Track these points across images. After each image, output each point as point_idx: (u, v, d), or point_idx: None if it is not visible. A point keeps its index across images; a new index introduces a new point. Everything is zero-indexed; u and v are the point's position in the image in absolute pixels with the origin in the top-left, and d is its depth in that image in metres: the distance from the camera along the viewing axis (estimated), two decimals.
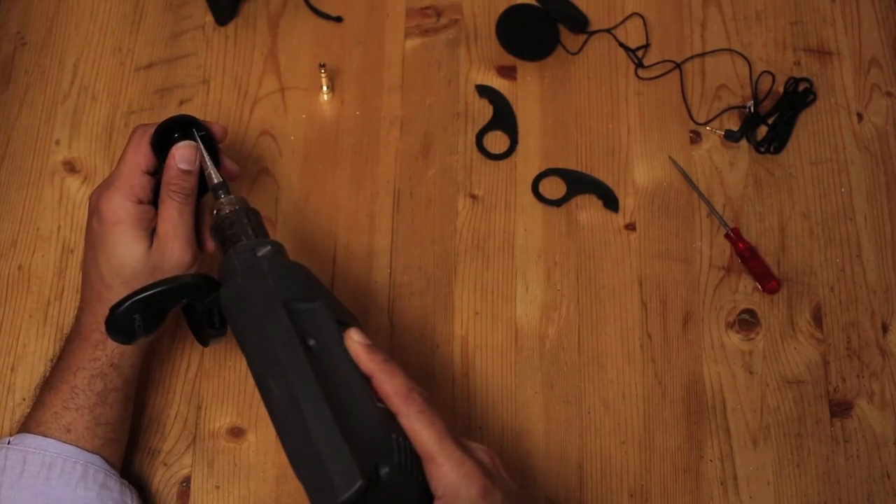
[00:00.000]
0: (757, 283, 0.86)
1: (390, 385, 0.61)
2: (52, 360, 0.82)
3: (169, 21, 0.95)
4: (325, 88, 0.92)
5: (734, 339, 0.85)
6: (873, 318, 0.86)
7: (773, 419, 0.83)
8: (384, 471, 0.58)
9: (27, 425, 0.72)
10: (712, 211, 0.89)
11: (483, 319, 0.86)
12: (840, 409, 0.83)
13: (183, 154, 0.72)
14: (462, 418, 0.82)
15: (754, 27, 0.96)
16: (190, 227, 0.73)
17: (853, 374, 0.84)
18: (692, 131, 0.92)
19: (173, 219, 0.72)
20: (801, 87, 0.93)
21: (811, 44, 0.96)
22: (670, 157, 0.91)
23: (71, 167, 0.90)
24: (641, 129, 0.92)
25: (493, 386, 0.83)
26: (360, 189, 0.89)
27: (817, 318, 0.86)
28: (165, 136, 0.74)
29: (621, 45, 0.95)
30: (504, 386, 0.83)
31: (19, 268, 0.86)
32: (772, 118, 0.92)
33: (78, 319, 0.74)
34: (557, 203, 0.89)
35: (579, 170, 0.91)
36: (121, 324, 0.67)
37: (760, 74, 0.94)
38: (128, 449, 0.80)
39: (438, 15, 0.96)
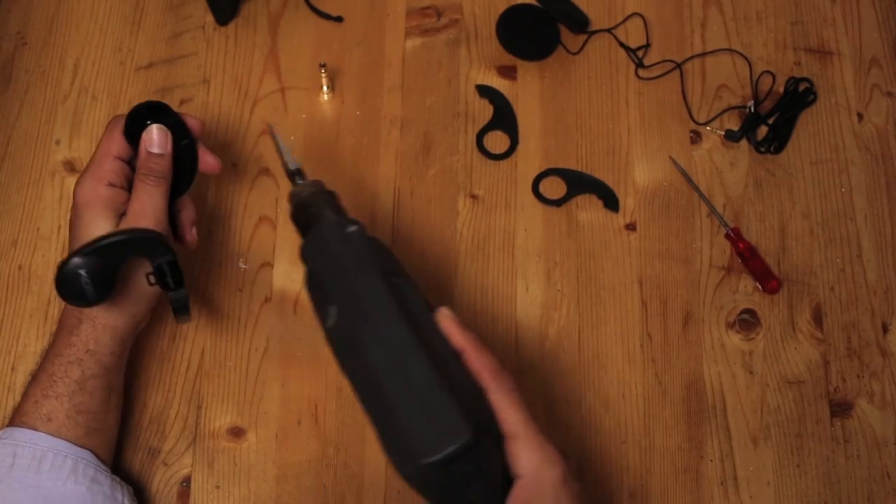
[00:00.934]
0: (757, 283, 0.86)
1: (482, 361, 0.62)
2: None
3: (169, 21, 0.95)
4: (325, 88, 0.92)
5: (734, 339, 0.85)
6: (873, 318, 0.86)
7: (773, 419, 0.83)
8: (482, 437, 0.59)
9: (13, 417, 0.72)
10: (712, 211, 0.89)
11: (483, 319, 0.85)
12: (840, 409, 0.83)
13: (152, 137, 0.74)
14: None
15: (755, 27, 0.96)
16: (161, 210, 0.73)
17: (853, 374, 0.84)
18: (692, 131, 0.92)
19: (142, 200, 0.73)
20: (802, 87, 0.93)
21: (811, 44, 0.95)
22: (670, 157, 0.91)
23: (71, 167, 0.90)
24: (642, 128, 0.92)
25: None
26: (361, 189, 0.89)
27: (817, 318, 0.86)
28: (137, 122, 0.74)
29: (622, 45, 0.95)
30: None
31: (20, 267, 0.86)
32: (772, 118, 0.92)
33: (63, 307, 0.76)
34: (558, 203, 0.89)
35: (579, 170, 0.91)
36: (68, 280, 0.68)
37: (761, 74, 0.94)
38: (128, 449, 0.80)
39: (439, 15, 0.96)
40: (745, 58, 0.95)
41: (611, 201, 0.89)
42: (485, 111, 0.93)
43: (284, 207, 0.88)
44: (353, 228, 0.67)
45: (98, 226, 0.71)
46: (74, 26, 0.95)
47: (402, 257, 0.86)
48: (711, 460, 0.81)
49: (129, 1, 0.96)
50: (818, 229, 0.89)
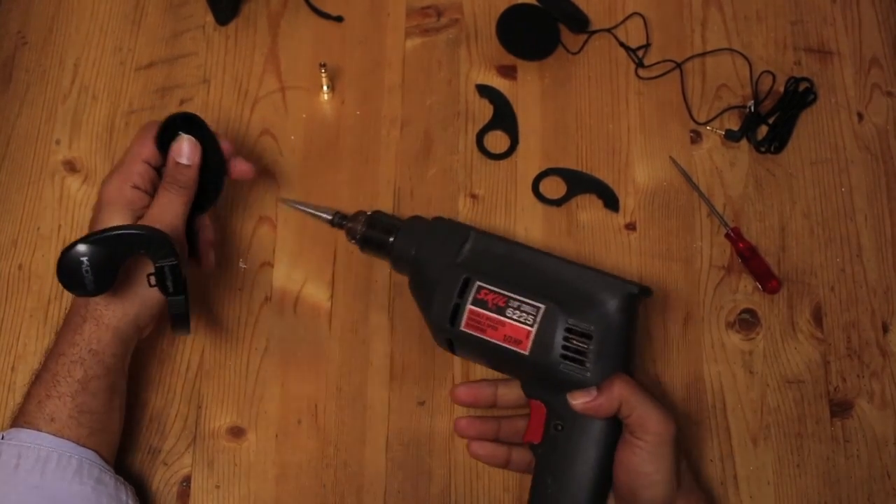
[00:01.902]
0: (757, 283, 0.86)
1: None
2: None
3: (169, 21, 0.95)
4: (325, 88, 0.92)
5: (734, 339, 0.85)
6: (873, 317, 0.86)
7: (773, 419, 0.83)
8: None
9: (16, 418, 0.72)
10: (712, 211, 0.89)
11: None
12: (840, 408, 0.83)
13: (181, 148, 0.75)
14: None
15: (755, 27, 0.96)
16: (179, 218, 0.74)
17: (853, 374, 0.84)
18: (692, 131, 0.92)
19: (162, 204, 0.74)
20: (802, 86, 0.93)
21: (812, 43, 0.95)
22: (670, 157, 0.91)
23: (71, 167, 0.90)
24: (642, 128, 0.92)
25: None
26: (361, 189, 0.89)
27: (817, 318, 0.86)
28: (169, 132, 0.76)
29: (622, 44, 0.95)
30: None
31: (20, 267, 0.86)
32: (772, 118, 0.92)
33: (69, 307, 0.76)
34: (558, 203, 0.89)
35: (580, 169, 0.91)
36: (69, 267, 0.68)
37: (761, 74, 0.94)
38: (128, 449, 0.80)
39: (439, 14, 0.96)
40: (746, 58, 0.94)
41: (611, 201, 0.89)
42: (485, 111, 0.93)
43: (285, 207, 0.88)
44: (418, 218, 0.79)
45: (114, 222, 0.72)
46: (74, 26, 0.95)
47: None
48: (711, 460, 0.81)
49: (130, 1, 0.96)
50: (818, 229, 0.89)
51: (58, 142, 0.91)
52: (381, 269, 0.86)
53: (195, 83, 0.93)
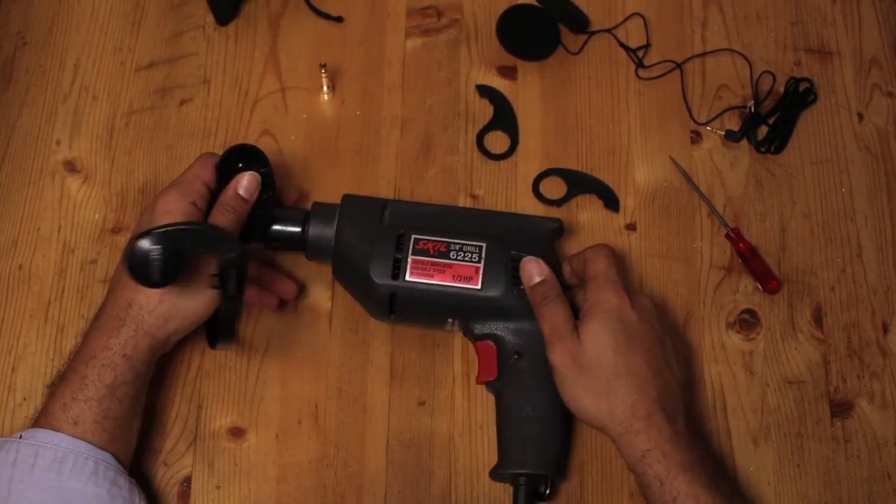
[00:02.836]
0: (757, 283, 0.86)
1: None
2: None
3: (169, 21, 0.95)
4: (325, 88, 0.92)
5: (735, 339, 0.85)
6: (874, 318, 0.86)
7: (773, 419, 0.83)
8: None
9: (38, 419, 0.72)
10: (713, 211, 0.89)
11: None
12: (840, 409, 0.83)
13: (244, 182, 0.77)
14: (462, 418, 0.82)
15: (755, 27, 0.96)
16: None
17: (854, 374, 0.84)
18: (693, 131, 0.92)
19: (216, 222, 0.75)
20: (802, 87, 0.93)
21: (812, 44, 0.95)
22: (670, 158, 0.91)
23: (71, 167, 0.90)
24: (642, 128, 0.92)
25: None
26: (361, 189, 0.89)
27: (818, 318, 0.86)
28: (230, 162, 0.78)
29: (622, 45, 0.95)
30: None
31: (20, 268, 0.86)
32: (772, 118, 0.92)
33: (99, 309, 0.76)
34: (558, 203, 0.89)
35: (580, 170, 0.91)
36: (140, 255, 0.68)
37: (761, 74, 0.94)
38: None
39: (439, 15, 0.96)
40: (746, 58, 0.95)
41: (611, 201, 0.89)
42: (485, 111, 0.93)
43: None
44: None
45: None
46: (75, 26, 0.95)
47: None
48: None
49: (130, 1, 0.96)
50: (818, 229, 0.89)
51: (58, 142, 0.91)
52: None
53: (195, 83, 0.93)
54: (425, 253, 0.78)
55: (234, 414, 0.82)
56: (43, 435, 0.70)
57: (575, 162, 0.91)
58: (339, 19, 0.96)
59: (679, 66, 0.94)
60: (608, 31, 0.96)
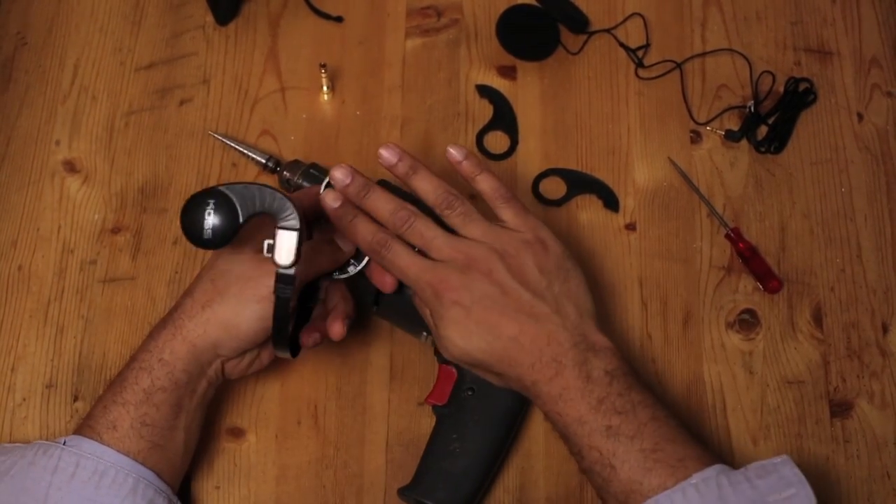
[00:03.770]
0: (758, 283, 0.86)
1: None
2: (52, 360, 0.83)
3: (169, 21, 0.95)
4: (325, 88, 0.92)
5: (734, 339, 0.85)
6: (873, 318, 0.86)
7: (773, 419, 0.83)
8: None
9: (82, 422, 0.72)
10: (712, 211, 0.89)
11: None
12: (840, 409, 0.83)
13: (326, 197, 0.75)
14: None
15: (755, 27, 0.96)
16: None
17: (853, 375, 0.84)
18: (692, 131, 0.92)
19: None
20: (802, 87, 0.93)
21: (811, 44, 0.95)
22: (669, 159, 0.91)
23: (71, 167, 0.90)
24: (642, 128, 0.92)
25: None
26: None
27: (817, 318, 0.86)
28: None
29: (621, 45, 0.95)
30: None
31: (19, 268, 0.86)
32: (772, 118, 0.92)
33: None
34: (558, 203, 0.89)
35: (579, 170, 0.91)
36: (195, 206, 0.66)
37: (761, 74, 0.94)
38: None
39: (439, 15, 0.96)
40: (746, 58, 0.95)
41: (611, 201, 0.89)
42: (485, 111, 0.93)
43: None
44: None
45: (244, 251, 0.74)
46: (74, 26, 0.95)
47: None
48: None
49: (130, 1, 0.96)
50: (818, 229, 0.89)
51: (58, 142, 0.91)
52: None
53: (195, 83, 0.93)
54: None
55: (233, 414, 0.82)
56: (87, 445, 0.70)
57: (575, 162, 0.91)
58: (338, 19, 0.96)
59: (679, 66, 0.94)
60: (608, 31, 0.96)
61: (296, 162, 0.86)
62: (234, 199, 0.67)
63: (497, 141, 0.92)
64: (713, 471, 0.67)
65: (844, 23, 0.96)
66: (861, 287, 0.87)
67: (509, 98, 0.93)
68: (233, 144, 0.88)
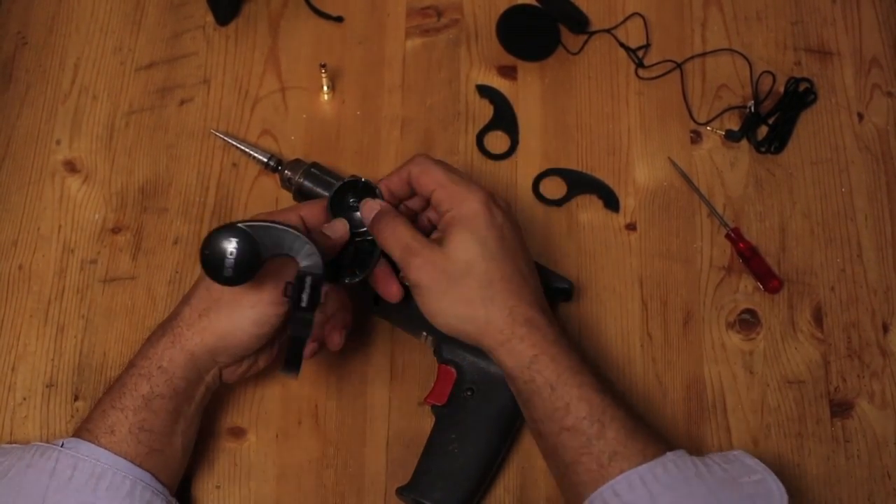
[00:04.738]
0: (758, 283, 0.86)
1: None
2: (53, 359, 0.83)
3: (170, 21, 0.95)
4: (325, 88, 0.92)
5: (735, 339, 0.85)
6: (874, 318, 0.86)
7: (773, 419, 0.83)
8: None
9: (81, 425, 0.72)
10: (712, 211, 0.89)
11: None
12: (841, 409, 0.83)
13: (334, 225, 0.75)
14: None
15: (755, 27, 0.96)
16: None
17: (854, 374, 0.84)
18: (693, 131, 0.92)
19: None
20: (802, 87, 0.93)
21: (812, 44, 0.95)
22: (670, 159, 0.91)
23: (72, 167, 0.90)
24: (642, 128, 0.92)
25: None
26: None
27: (818, 318, 0.86)
28: (345, 193, 0.76)
29: (622, 45, 0.95)
30: None
31: (20, 267, 0.86)
32: (772, 118, 0.92)
33: None
34: (558, 203, 0.89)
35: (580, 170, 0.91)
36: (214, 248, 0.65)
37: (761, 74, 0.94)
38: None
39: (439, 15, 0.96)
40: (746, 58, 0.95)
41: (611, 201, 0.89)
42: (485, 111, 0.93)
43: (286, 206, 0.88)
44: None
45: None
46: (75, 26, 0.95)
47: None
48: None
49: (130, 1, 0.96)
50: (818, 229, 0.89)
51: (58, 142, 0.91)
52: None
53: (195, 83, 0.93)
54: None
55: (233, 414, 0.82)
56: (84, 447, 0.70)
57: (575, 162, 0.91)
58: (339, 19, 0.96)
59: (679, 66, 0.94)
60: (608, 31, 0.96)
61: (297, 161, 0.86)
62: (258, 240, 0.66)
63: (497, 141, 0.92)
64: (683, 451, 0.69)
65: (845, 23, 0.96)
66: (861, 287, 0.87)
67: (509, 98, 0.93)
68: (235, 143, 0.88)
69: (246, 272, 0.66)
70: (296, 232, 0.68)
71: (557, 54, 0.94)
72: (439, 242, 0.72)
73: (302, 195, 0.84)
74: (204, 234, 0.85)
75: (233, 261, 0.65)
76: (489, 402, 0.76)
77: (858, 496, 0.80)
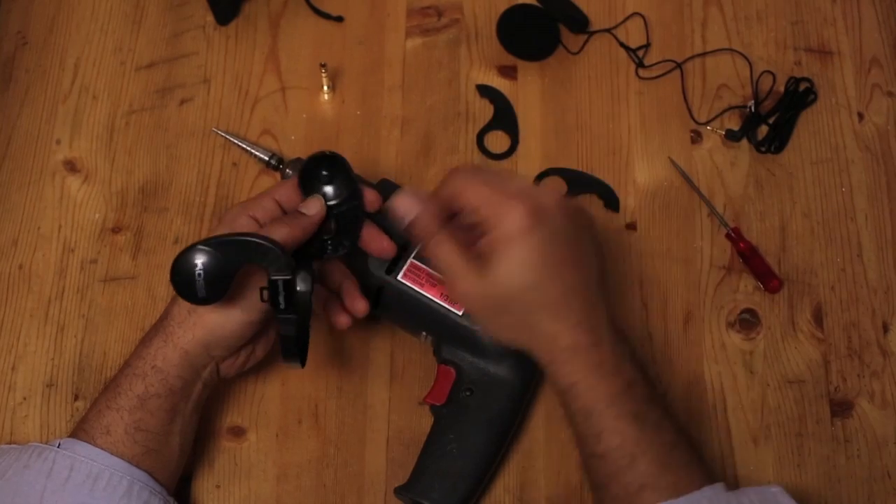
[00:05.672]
0: (758, 283, 0.86)
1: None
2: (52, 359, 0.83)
3: (170, 20, 0.95)
4: (325, 88, 0.92)
5: (735, 339, 0.85)
6: (874, 317, 0.86)
7: (773, 419, 0.83)
8: None
9: (77, 426, 0.72)
10: (713, 211, 0.89)
11: None
12: (841, 408, 0.83)
13: (308, 203, 0.74)
14: None
15: (755, 27, 0.96)
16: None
17: (854, 374, 0.84)
18: (693, 131, 0.92)
19: (268, 233, 0.72)
20: (802, 86, 0.93)
21: (812, 43, 0.95)
22: (670, 158, 0.91)
23: (72, 167, 0.90)
24: (642, 128, 0.92)
25: None
26: None
27: (818, 318, 0.86)
28: (314, 170, 0.75)
29: (622, 44, 0.95)
30: None
31: (20, 267, 0.86)
32: (773, 118, 0.92)
33: None
34: None
35: (580, 169, 0.91)
36: (181, 271, 0.66)
37: (761, 74, 0.94)
38: None
39: (439, 14, 0.96)
40: (746, 58, 0.95)
41: (611, 201, 0.89)
42: (485, 111, 0.93)
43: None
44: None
45: None
46: (75, 26, 0.95)
47: None
48: (712, 460, 0.81)
49: (130, 1, 0.96)
50: (818, 229, 0.89)
51: (58, 142, 0.91)
52: None
53: (195, 83, 0.93)
54: (426, 262, 0.77)
55: (233, 413, 0.82)
56: (81, 448, 0.70)
57: (575, 162, 0.91)
58: (339, 19, 0.96)
59: (679, 65, 0.94)
60: (608, 30, 0.96)
61: (298, 160, 0.86)
62: (221, 257, 0.67)
63: (497, 141, 0.92)
64: (720, 486, 0.68)
65: (845, 22, 0.96)
66: (861, 286, 0.87)
67: (510, 98, 0.93)
68: (236, 141, 0.88)
69: (218, 289, 0.67)
70: (257, 239, 0.68)
71: (557, 54, 0.94)
72: (483, 259, 0.68)
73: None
74: (204, 233, 0.86)
75: (202, 281, 0.66)
76: (488, 403, 0.76)
77: (858, 496, 0.80)
